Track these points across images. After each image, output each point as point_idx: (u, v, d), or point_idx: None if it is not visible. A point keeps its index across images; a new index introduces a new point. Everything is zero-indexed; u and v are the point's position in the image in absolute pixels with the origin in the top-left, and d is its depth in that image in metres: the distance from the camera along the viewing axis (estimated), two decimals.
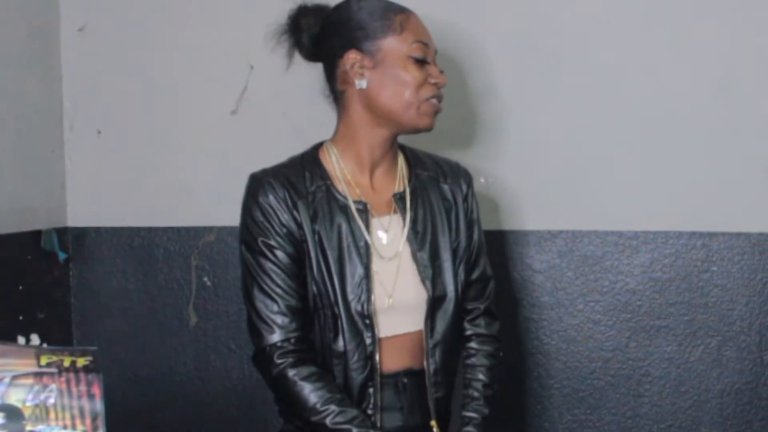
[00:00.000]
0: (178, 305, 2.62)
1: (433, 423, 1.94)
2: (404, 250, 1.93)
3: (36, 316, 2.55)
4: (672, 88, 2.31)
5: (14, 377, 1.49)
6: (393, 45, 1.89)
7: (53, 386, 1.49)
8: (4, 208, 2.44)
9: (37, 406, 1.49)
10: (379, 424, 1.88)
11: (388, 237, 1.93)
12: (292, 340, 1.86)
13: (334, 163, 1.95)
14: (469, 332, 2.03)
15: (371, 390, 1.88)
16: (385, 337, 1.89)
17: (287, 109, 2.52)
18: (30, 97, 2.56)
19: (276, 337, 1.86)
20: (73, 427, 1.49)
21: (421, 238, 1.95)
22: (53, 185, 2.65)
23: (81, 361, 1.49)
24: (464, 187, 2.04)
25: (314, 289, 1.88)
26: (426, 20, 1.95)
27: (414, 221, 1.95)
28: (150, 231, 2.64)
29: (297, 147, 2.02)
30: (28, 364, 1.49)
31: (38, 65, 2.60)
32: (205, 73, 2.59)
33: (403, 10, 1.93)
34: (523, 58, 2.39)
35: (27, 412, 1.49)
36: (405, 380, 1.91)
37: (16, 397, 1.49)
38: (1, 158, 2.45)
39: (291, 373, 1.85)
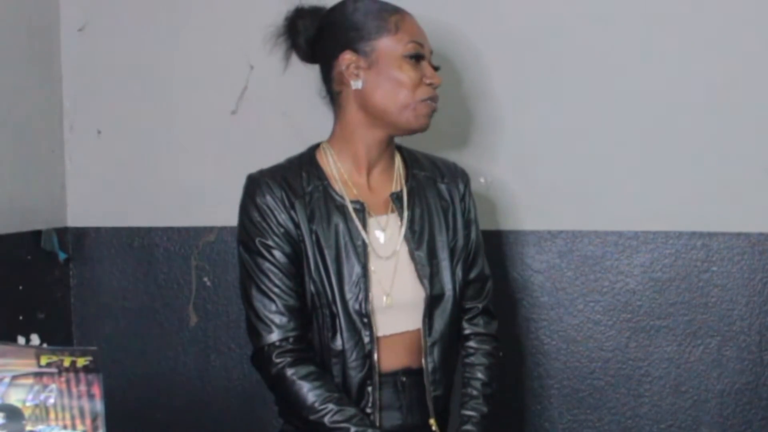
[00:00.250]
0: (178, 305, 2.63)
1: (432, 422, 1.93)
2: (402, 249, 1.93)
3: (36, 316, 2.55)
4: (672, 88, 2.31)
5: (14, 377, 1.49)
6: (388, 45, 1.89)
7: (53, 386, 1.49)
8: (4, 208, 2.44)
9: (37, 406, 1.49)
10: (378, 423, 1.88)
11: (386, 236, 1.93)
12: (291, 340, 1.86)
13: (331, 163, 1.96)
14: (467, 331, 2.03)
15: (370, 389, 1.88)
16: (384, 335, 1.90)
17: (287, 109, 2.52)
18: (30, 97, 2.56)
19: (274, 336, 1.86)
20: (73, 427, 1.49)
21: (419, 237, 1.95)
22: (53, 185, 2.65)
23: (81, 361, 1.49)
24: (461, 187, 2.04)
25: (312, 288, 1.88)
26: (422, 21, 1.95)
27: (411, 220, 1.95)
28: (150, 231, 2.64)
29: (297, 147, 2.02)
30: (28, 364, 1.49)
31: (38, 65, 2.60)
32: (205, 73, 2.59)
33: (398, 11, 1.93)
34: (522, 58, 2.39)
35: (27, 412, 1.49)
36: (404, 379, 1.91)
37: (16, 397, 1.49)
38: (1, 158, 2.45)
39: (289, 372, 1.85)
